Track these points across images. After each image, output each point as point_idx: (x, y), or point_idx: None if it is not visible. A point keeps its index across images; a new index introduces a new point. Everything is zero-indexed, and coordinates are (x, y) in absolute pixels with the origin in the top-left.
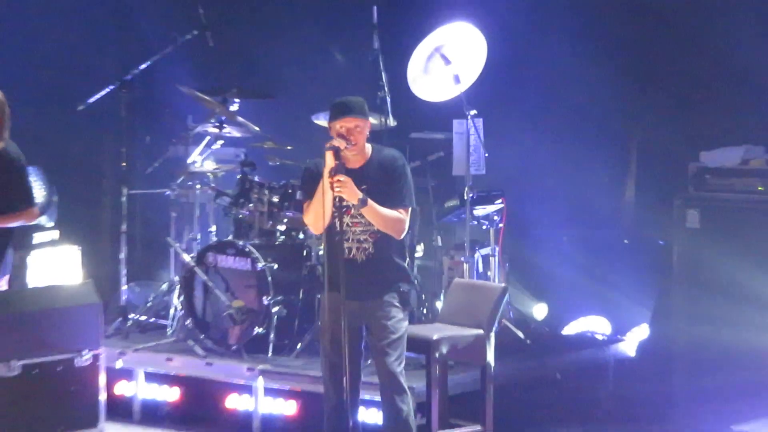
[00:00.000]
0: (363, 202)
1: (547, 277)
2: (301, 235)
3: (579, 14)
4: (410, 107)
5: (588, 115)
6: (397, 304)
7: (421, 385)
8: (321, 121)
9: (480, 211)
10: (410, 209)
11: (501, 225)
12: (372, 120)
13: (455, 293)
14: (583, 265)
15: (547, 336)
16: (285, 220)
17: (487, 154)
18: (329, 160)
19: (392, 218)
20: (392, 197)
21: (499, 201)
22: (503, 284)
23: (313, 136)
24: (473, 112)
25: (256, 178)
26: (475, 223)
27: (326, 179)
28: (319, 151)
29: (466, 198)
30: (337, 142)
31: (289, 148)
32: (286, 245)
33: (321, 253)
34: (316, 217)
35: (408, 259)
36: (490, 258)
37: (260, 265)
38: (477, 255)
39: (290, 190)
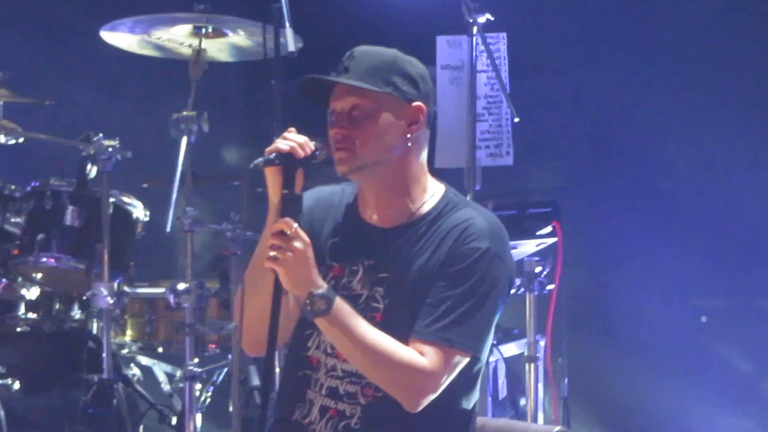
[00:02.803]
0: (322, 303)
1: (658, 405)
2: (77, 312)
3: None
4: (341, 12)
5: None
6: None
7: None
8: (120, 36)
9: None
10: (460, 355)
11: (551, 287)
12: (416, 101)
13: None
14: (746, 374)
15: None
16: (39, 276)
17: (517, 119)
18: (271, 187)
19: (390, 358)
20: (429, 311)
21: (548, 229)
22: (558, 427)
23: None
24: (484, 18)
25: None
26: None
27: (268, 232)
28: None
29: None
30: (298, 144)
31: (48, 103)
32: (40, 334)
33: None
34: (247, 317)
35: None
36: (527, 364)
37: None
38: (495, 357)
39: (51, 205)
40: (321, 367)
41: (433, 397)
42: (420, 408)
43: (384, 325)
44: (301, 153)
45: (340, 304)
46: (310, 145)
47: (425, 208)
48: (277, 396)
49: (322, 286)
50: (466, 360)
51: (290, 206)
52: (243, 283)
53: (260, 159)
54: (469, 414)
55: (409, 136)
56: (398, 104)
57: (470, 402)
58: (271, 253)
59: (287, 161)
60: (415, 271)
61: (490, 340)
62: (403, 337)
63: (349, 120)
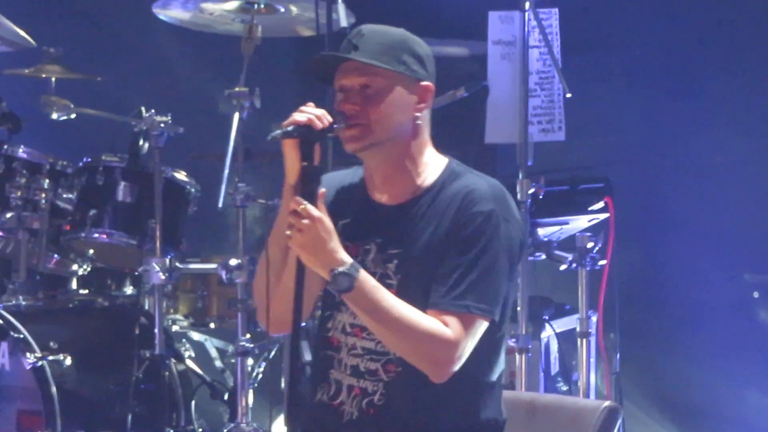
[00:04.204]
0: (345, 281)
1: (710, 381)
2: (129, 288)
3: None
4: None
5: None
6: None
7: None
8: (172, 12)
9: (552, 229)
10: (480, 319)
11: (603, 262)
12: (424, 81)
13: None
14: None
15: None
16: (91, 252)
17: (569, 94)
18: (290, 160)
19: (416, 331)
20: (442, 281)
21: (600, 205)
22: (608, 402)
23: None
24: None
25: (22, 152)
26: (542, 257)
27: (284, 210)
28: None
29: (519, 199)
30: (315, 117)
31: (100, 79)
32: (92, 311)
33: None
34: (259, 297)
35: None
36: (579, 340)
37: (32, 358)
38: (547, 333)
39: (103, 181)
40: (342, 347)
41: (459, 365)
42: (446, 378)
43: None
44: (319, 125)
45: (364, 280)
46: (328, 117)
47: (429, 181)
48: (310, 377)
49: (345, 263)
50: (485, 325)
51: (310, 178)
52: (261, 261)
53: (278, 131)
54: (492, 386)
55: (417, 114)
56: (409, 83)
57: (493, 373)
58: (287, 233)
59: (305, 134)
60: (424, 244)
61: (502, 302)
62: (416, 292)
63: (363, 97)
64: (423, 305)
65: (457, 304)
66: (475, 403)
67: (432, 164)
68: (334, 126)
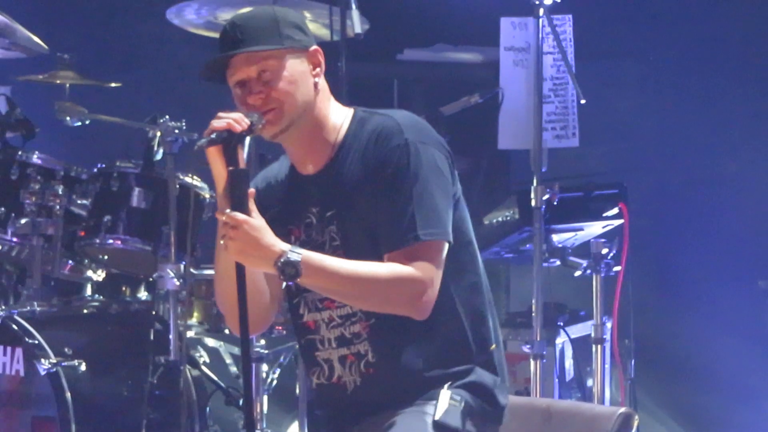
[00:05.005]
0: (290, 269)
1: (724, 389)
2: (144, 294)
3: None
4: None
5: None
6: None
7: None
8: (186, 18)
9: (567, 235)
10: (433, 244)
11: (618, 268)
12: (310, 46)
13: (518, 427)
14: None
15: None
16: (106, 258)
17: (583, 101)
18: (216, 167)
19: (377, 282)
20: (387, 224)
21: (614, 211)
22: (623, 408)
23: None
24: (550, 0)
25: (37, 158)
26: (557, 263)
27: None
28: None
29: (533, 205)
30: (234, 120)
31: (114, 85)
32: (107, 317)
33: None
34: (222, 307)
35: (485, 320)
36: (593, 346)
37: (47, 364)
38: (562, 339)
39: (117, 187)
40: (320, 325)
41: (434, 295)
42: (429, 312)
43: (348, 257)
44: (238, 127)
45: (308, 258)
46: (245, 120)
47: (341, 136)
48: (303, 366)
49: (284, 252)
50: (444, 247)
51: (238, 181)
52: (215, 274)
53: (202, 140)
54: (477, 307)
55: (317, 80)
56: (299, 54)
57: (477, 294)
58: (221, 242)
59: (227, 139)
60: (353, 197)
61: (450, 221)
62: (370, 261)
63: (263, 84)
64: (374, 256)
65: (405, 239)
66: (462, 326)
67: (340, 119)
68: (253, 125)
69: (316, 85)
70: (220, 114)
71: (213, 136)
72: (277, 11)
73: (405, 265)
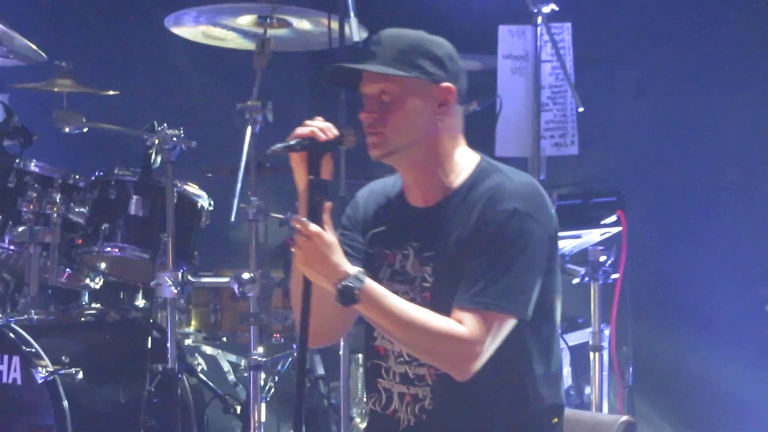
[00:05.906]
0: (348, 293)
1: (723, 396)
2: (142, 302)
3: None
4: (405, 0)
5: None
6: None
7: None
8: (184, 26)
9: (565, 243)
10: (501, 316)
11: (615, 276)
12: (443, 82)
13: None
14: None
15: None
16: (104, 265)
17: (581, 108)
18: (297, 174)
19: (428, 332)
20: (465, 280)
21: (613, 218)
22: (625, 417)
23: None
24: (549, 8)
25: (34, 166)
26: None
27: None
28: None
29: None
30: (319, 129)
31: (112, 93)
32: (104, 324)
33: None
34: (295, 310)
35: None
36: (591, 353)
37: (44, 372)
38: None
39: (115, 195)
40: (389, 355)
41: (479, 363)
42: (469, 376)
43: (434, 302)
44: (322, 136)
45: (370, 288)
46: (333, 130)
47: (459, 181)
48: (364, 386)
49: (348, 275)
50: (511, 322)
51: (315, 192)
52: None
53: (279, 144)
54: (544, 377)
55: (438, 117)
56: (426, 87)
57: (547, 366)
58: (292, 249)
59: (310, 146)
60: (454, 245)
61: (533, 299)
62: (446, 292)
63: (380, 104)
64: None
65: (474, 302)
66: (524, 396)
67: (462, 163)
68: (342, 137)
69: (436, 121)
70: (307, 121)
71: (292, 142)
72: (426, 38)
73: (462, 324)
